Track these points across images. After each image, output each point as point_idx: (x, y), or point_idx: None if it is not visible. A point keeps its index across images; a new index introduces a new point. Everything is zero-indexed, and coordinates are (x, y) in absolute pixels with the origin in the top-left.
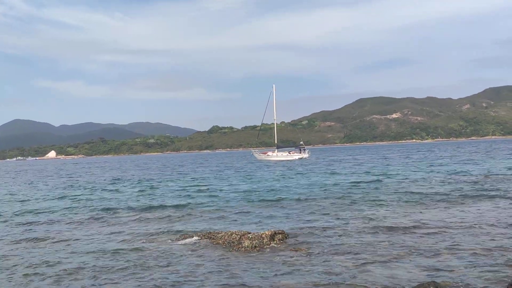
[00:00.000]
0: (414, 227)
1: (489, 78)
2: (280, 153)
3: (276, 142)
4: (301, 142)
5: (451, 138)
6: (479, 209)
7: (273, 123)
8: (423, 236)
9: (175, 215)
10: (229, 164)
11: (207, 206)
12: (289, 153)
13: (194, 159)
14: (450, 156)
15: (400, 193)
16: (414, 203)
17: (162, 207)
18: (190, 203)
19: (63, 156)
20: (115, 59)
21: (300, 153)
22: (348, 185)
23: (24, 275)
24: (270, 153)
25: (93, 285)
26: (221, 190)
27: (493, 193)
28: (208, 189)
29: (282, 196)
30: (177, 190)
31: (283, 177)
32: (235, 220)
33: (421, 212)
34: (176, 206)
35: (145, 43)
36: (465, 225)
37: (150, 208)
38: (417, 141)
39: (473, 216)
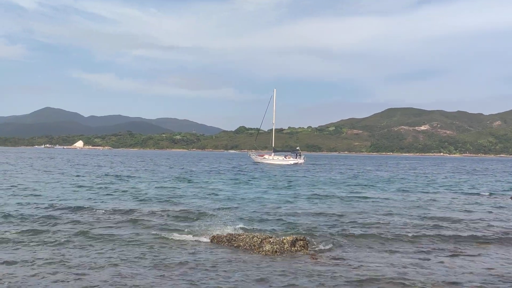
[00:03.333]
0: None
1: None
2: (276, 157)
3: (273, 145)
4: (297, 148)
5: (479, 154)
6: None
7: (300, 127)
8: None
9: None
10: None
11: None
12: (285, 157)
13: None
14: None
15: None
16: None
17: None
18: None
19: (90, 146)
20: (147, 54)
21: (296, 158)
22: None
23: None
24: (266, 156)
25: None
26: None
27: None
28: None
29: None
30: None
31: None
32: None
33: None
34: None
35: (177, 40)
36: None
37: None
38: (444, 155)
39: None
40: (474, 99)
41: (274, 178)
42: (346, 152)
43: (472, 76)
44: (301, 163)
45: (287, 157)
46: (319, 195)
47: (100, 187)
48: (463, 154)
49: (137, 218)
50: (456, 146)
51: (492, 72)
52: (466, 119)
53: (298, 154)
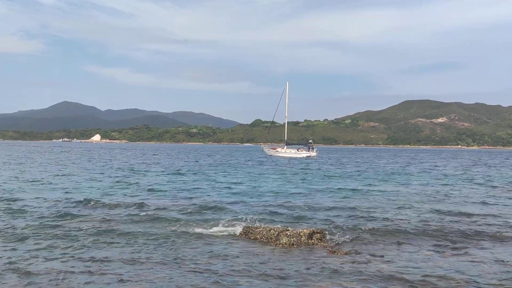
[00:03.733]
0: None
1: None
2: (288, 150)
3: (286, 138)
4: (310, 141)
5: (497, 147)
6: None
7: (316, 120)
8: None
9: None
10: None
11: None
12: (297, 150)
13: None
14: None
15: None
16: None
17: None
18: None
19: (107, 140)
20: (162, 48)
21: (308, 151)
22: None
23: None
24: (279, 149)
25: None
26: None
27: None
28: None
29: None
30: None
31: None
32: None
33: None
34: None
35: (192, 34)
36: None
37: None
38: (462, 147)
39: None
40: (492, 91)
41: (287, 171)
42: (362, 145)
43: (490, 68)
44: (313, 156)
45: (299, 150)
46: (334, 188)
47: (115, 181)
48: (481, 147)
49: (152, 212)
50: (474, 138)
51: (510, 63)
52: (484, 111)
53: (310, 147)
